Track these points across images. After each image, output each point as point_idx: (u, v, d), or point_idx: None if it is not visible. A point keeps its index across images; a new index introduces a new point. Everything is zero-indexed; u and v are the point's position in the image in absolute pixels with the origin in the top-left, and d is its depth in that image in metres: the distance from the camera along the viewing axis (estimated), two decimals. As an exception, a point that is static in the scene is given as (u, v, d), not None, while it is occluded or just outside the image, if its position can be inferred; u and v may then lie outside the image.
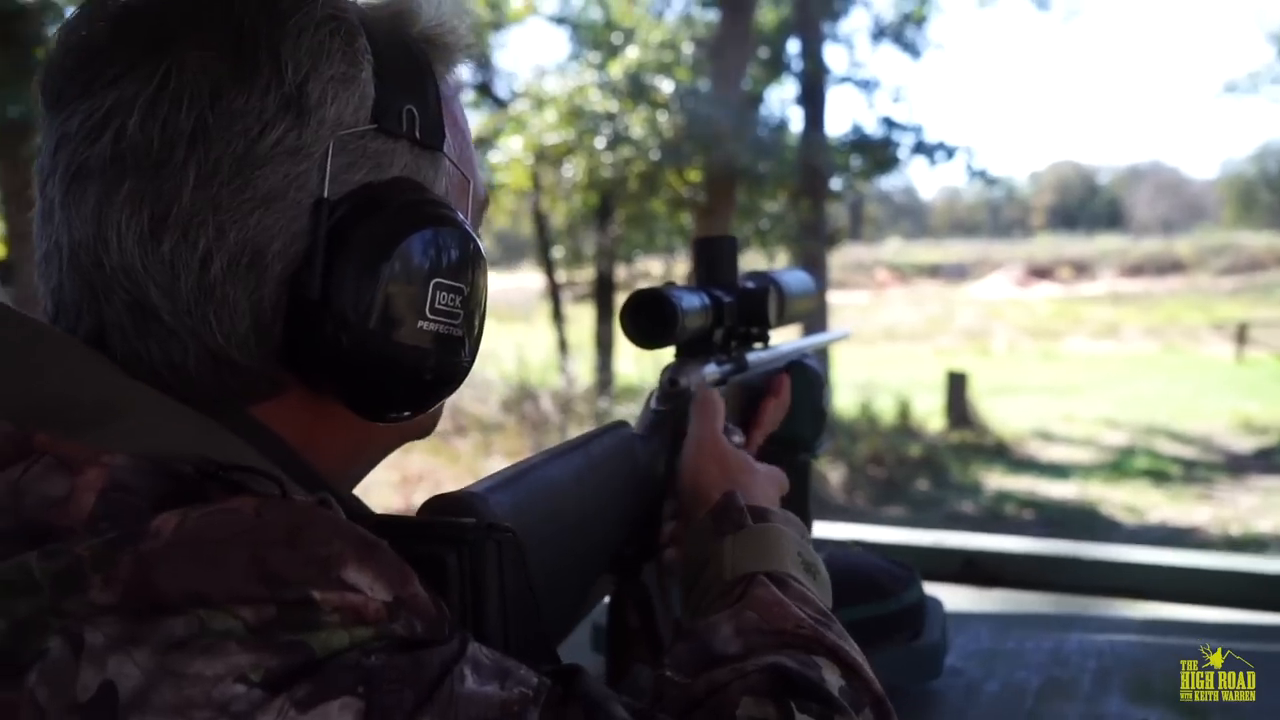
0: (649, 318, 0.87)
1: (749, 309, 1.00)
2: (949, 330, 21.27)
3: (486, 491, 0.65)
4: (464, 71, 0.66)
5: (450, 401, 0.65)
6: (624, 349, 12.96)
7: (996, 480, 8.52)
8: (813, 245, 10.12)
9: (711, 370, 0.96)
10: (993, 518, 7.31)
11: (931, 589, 1.30)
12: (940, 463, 9.04)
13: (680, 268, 12.13)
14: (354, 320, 0.53)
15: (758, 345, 1.07)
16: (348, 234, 0.53)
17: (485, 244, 0.63)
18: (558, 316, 13.15)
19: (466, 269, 0.58)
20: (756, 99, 10.63)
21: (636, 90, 9.58)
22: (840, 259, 22.21)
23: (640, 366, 10.42)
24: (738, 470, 0.81)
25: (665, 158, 9.45)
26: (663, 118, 9.47)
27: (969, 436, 9.95)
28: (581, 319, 13.69)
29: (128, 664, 0.43)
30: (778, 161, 9.53)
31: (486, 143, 11.72)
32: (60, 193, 0.54)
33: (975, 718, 1.17)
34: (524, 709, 0.49)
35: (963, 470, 8.91)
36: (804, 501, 1.06)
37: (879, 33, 12.31)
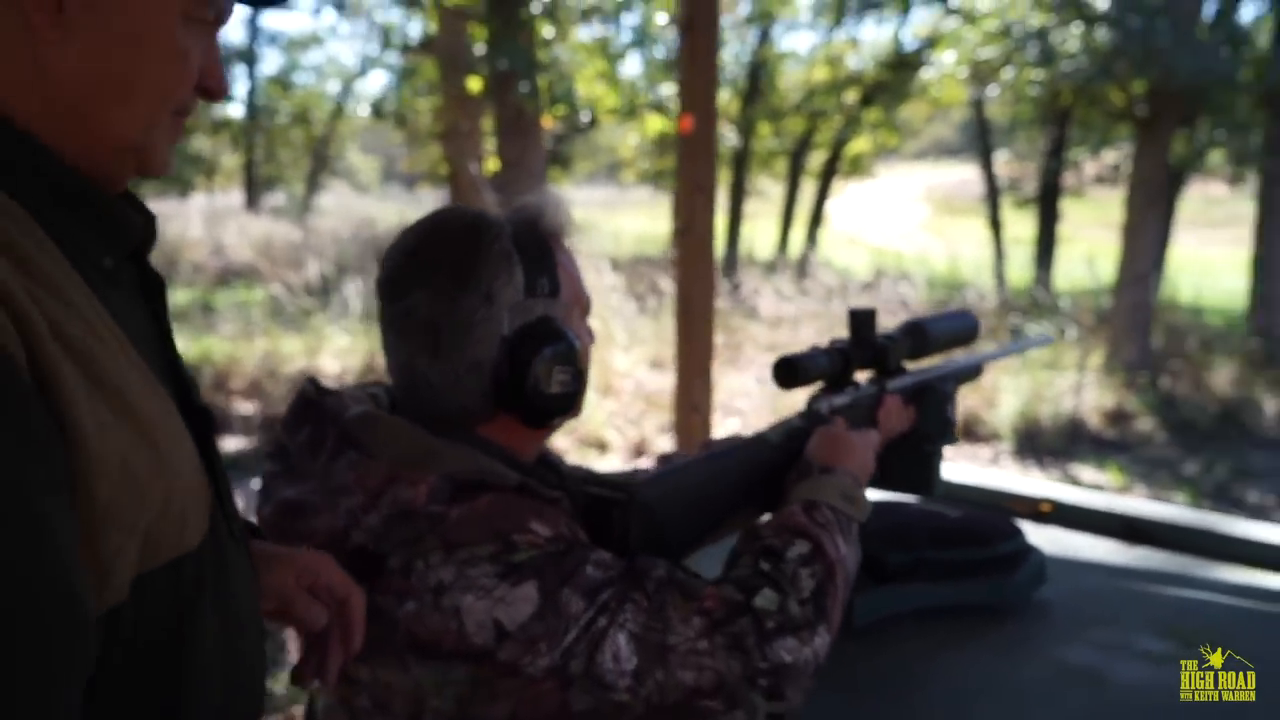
0: (786, 372, 1.32)
1: (878, 358, 1.45)
2: None
3: (648, 480, 1.16)
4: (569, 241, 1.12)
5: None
6: (1067, 254, 12.42)
7: None
8: (1276, 163, 9.11)
9: (841, 398, 1.39)
10: None
11: (1091, 542, 1.79)
12: None
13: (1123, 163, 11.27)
14: (525, 386, 1.03)
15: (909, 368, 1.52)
16: (516, 350, 1.03)
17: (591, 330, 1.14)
18: (995, 223, 13.13)
19: (573, 359, 1.05)
20: (1225, 9, 9.46)
21: (1070, 3, 9.18)
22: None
23: (1092, 270, 10.05)
24: (841, 446, 1.24)
25: (1098, 75, 9.05)
26: (1100, 33, 9.01)
27: None
28: (1024, 222, 13.37)
29: (445, 571, 0.94)
30: (1228, 81, 8.62)
31: (922, 54, 11.76)
32: (395, 338, 1.07)
33: (1013, 624, 1.44)
34: (608, 579, 0.98)
35: None
36: (927, 476, 1.51)
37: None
